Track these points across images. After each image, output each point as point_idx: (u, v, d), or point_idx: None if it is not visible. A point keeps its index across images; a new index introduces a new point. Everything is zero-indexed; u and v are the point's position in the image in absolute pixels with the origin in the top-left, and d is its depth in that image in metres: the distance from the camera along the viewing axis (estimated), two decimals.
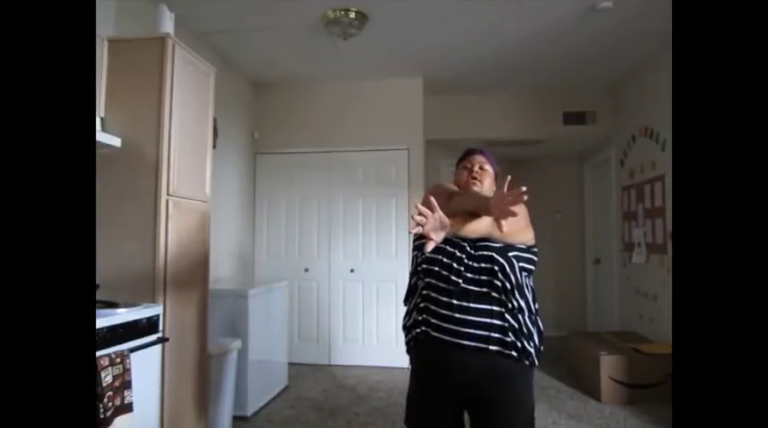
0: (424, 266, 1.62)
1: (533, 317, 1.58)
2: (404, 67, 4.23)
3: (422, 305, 1.61)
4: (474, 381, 1.54)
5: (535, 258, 1.62)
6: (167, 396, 2.18)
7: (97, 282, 1.86)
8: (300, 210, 4.59)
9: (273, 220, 4.63)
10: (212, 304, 2.71)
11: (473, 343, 1.51)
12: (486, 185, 1.74)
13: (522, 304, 1.54)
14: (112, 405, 1.68)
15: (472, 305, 1.52)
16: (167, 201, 2.22)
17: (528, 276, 1.60)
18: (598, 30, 3.41)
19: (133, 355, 1.82)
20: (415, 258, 1.71)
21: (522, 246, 1.59)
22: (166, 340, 2.12)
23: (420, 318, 1.61)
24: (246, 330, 3.09)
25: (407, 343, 1.70)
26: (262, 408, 3.26)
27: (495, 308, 1.52)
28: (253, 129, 4.58)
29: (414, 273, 1.70)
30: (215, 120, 3.19)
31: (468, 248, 1.56)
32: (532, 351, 1.55)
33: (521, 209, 1.62)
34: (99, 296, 1.90)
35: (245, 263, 4.43)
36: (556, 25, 3.35)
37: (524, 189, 1.26)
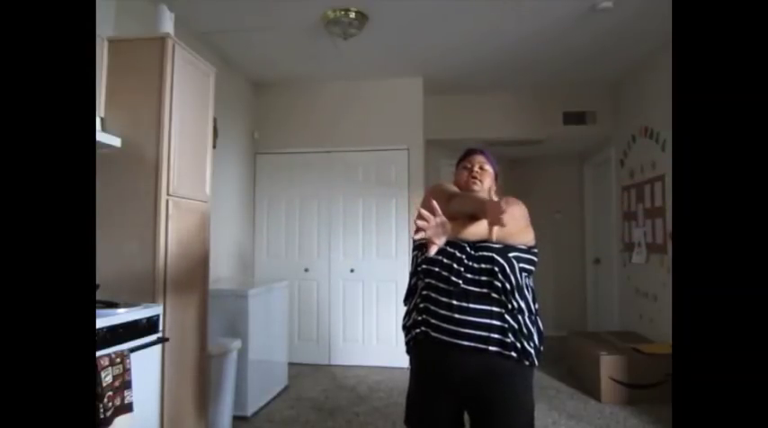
0: (424, 266, 1.62)
1: (533, 318, 1.58)
2: (404, 67, 4.23)
3: (421, 305, 1.61)
4: (474, 381, 1.54)
5: (535, 259, 1.62)
6: (167, 396, 2.18)
7: (97, 282, 1.86)
8: (300, 210, 4.59)
9: (273, 220, 4.63)
10: (212, 304, 2.71)
11: (472, 344, 1.51)
12: (486, 185, 1.74)
13: (522, 305, 1.54)
14: (112, 405, 1.68)
15: (472, 305, 1.52)
16: (167, 201, 2.22)
17: (528, 276, 1.60)
18: (598, 30, 3.41)
19: (133, 355, 1.82)
20: (414, 258, 1.71)
21: (523, 247, 1.59)
22: (166, 340, 2.12)
23: (420, 319, 1.61)
24: (246, 330, 3.09)
25: (407, 344, 1.70)
26: (262, 408, 3.26)
27: (495, 309, 1.52)
28: (253, 129, 4.58)
29: (414, 273, 1.69)
30: (215, 120, 3.18)
31: (468, 249, 1.56)
32: (532, 351, 1.55)
33: (521, 210, 1.62)
34: (99, 296, 1.90)
35: (245, 263, 4.43)
36: (556, 25, 3.35)
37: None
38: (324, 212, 4.54)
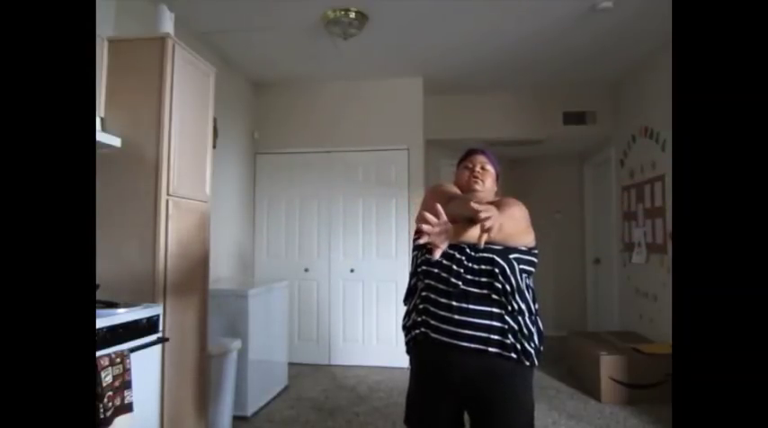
0: (424, 267, 1.61)
1: (533, 318, 1.58)
2: (404, 67, 4.23)
3: (421, 306, 1.61)
4: (474, 381, 1.54)
5: (536, 260, 1.62)
6: (167, 396, 2.18)
7: (97, 282, 1.86)
8: (300, 210, 4.59)
9: (273, 220, 4.62)
10: (212, 304, 2.71)
11: (472, 345, 1.50)
12: (487, 185, 1.73)
13: (523, 306, 1.54)
14: (112, 405, 1.68)
15: (472, 306, 1.52)
16: (167, 201, 2.22)
17: (528, 277, 1.60)
18: (598, 30, 3.41)
19: (133, 355, 1.82)
20: (414, 258, 1.70)
21: (523, 248, 1.59)
22: (166, 340, 2.12)
23: (419, 319, 1.61)
24: (246, 330, 3.09)
25: (407, 344, 1.70)
26: (262, 408, 3.26)
27: (495, 310, 1.52)
28: (253, 129, 4.58)
29: (413, 274, 1.69)
30: (215, 120, 3.19)
31: (468, 250, 1.56)
32: (532, 351, 1.55)
33: (521, 211, 1.62)
34: (99, 296, 1.90)
35: (245, 263, 4.43)
36: (556, 25, 3.35)
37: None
38: (324, 212, 4.54)
